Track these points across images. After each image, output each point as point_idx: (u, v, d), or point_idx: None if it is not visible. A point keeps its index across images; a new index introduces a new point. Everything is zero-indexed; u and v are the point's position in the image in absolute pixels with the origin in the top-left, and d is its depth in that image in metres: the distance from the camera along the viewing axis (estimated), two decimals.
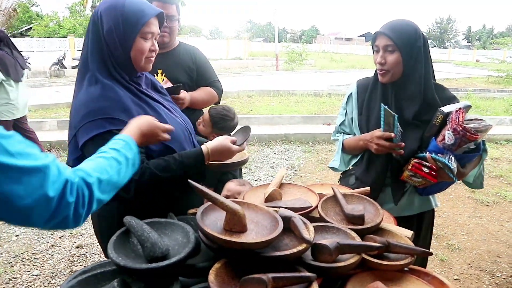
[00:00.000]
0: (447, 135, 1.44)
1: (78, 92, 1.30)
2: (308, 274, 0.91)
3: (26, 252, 3.01)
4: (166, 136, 1.26)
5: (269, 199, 1.32)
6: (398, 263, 1.06)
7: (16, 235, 3.27)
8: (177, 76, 2.16)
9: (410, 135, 1.60)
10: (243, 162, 1.50)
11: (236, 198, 1.40)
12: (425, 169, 1.48)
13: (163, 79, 2.12)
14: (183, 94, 2.03)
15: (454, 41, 71.88)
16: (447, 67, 24.29)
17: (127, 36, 1.27)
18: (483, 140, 1.56)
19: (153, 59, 1.38)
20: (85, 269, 1.04)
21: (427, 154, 1.49)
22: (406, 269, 1.10)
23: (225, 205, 0.99)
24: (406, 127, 1.60)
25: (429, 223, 1.82)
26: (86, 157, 1.25)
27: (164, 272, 0.94)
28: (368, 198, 1.33)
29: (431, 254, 1.12)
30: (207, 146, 1.38)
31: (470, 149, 1.48)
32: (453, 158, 1.44)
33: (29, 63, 17.03)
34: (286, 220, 1.06)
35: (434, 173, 1.47)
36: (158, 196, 1.35)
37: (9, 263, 2.86)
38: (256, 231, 1.03)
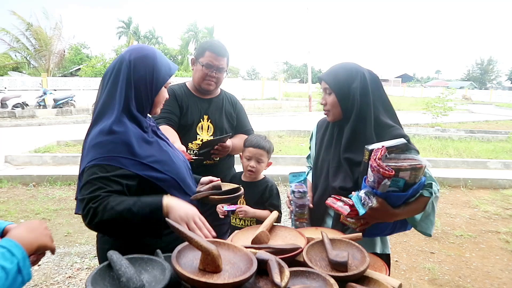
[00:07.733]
0: (369, 173, 1.44)
1: (94, 128, 1.38)
2: None
3: (45, 282, 3.11)
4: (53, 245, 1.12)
5: (255, 241, 1.33)
6: None
7: (38, 265, 3.38)
8: (222, 122, 2.31)
9: (339, 173, 1.67)
10: (240, 195, 1.59)
11: None
12: (339, 203, 1.49)
13: (208, 126, 2.27)
14: (228, 142, 2.19)
15: (496, 82, 69.63)
16: (488, 108, 23.51)
17: (157, 84, 1.46)
18: (431, 183, 1.50)
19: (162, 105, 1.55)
20: None
21: (353, 192, 1.49)
22: None
23: (199, 244, 1.02)
24: (338, 164, 1.69)
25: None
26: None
27: None
28: (357, 244, 1.31)
29: None
30: (168, 200, 1.32)
31: (400, 188, 1.42)
32: (364, 194, 1.42)
33: (74, 101, 18.26)
34: (263, 263, 1.07)
35: (348, 207, 1.45)
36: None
37: None
38: (230, 272, 1.04)
